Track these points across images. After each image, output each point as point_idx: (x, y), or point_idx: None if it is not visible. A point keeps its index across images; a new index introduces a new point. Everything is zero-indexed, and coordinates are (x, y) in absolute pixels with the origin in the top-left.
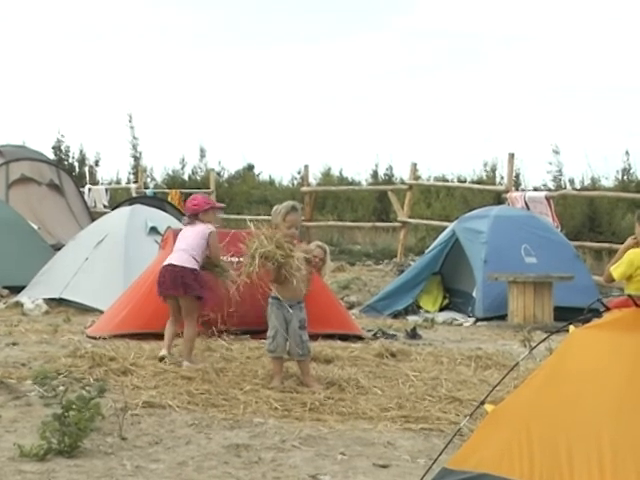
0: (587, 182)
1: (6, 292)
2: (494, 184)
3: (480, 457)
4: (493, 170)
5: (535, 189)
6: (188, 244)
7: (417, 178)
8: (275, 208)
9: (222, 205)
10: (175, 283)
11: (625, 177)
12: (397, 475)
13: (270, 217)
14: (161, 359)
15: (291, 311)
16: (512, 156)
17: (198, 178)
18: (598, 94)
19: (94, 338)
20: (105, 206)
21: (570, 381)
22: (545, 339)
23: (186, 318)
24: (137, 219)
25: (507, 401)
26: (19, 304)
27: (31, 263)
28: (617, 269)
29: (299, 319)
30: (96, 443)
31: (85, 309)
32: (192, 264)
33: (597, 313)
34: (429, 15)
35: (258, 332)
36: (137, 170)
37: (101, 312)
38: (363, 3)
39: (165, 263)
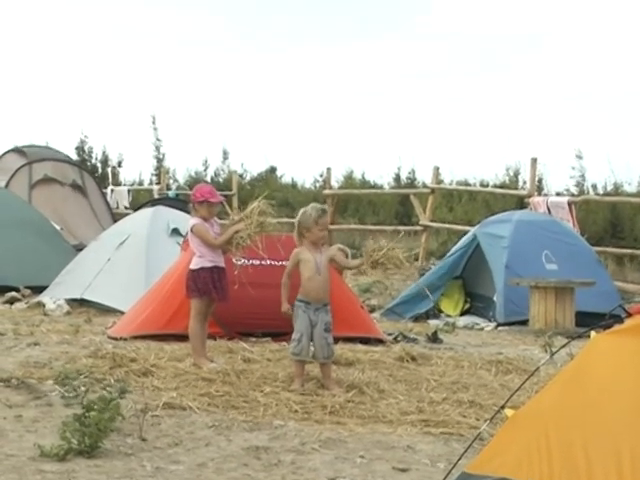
0: (610, 187)
1: (28, 292)
2: (516, 189)
3: (500, 461)
4: (516, 174)
5: (558, 194)
6: (190, 242)
7: (439, 182)
8: (304, 211)
9: (219, 199)
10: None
11: None
12: (417, 479)
13: (294, 220)
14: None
15: (317, 314)
16: (535, 161)
17: (220, 180)
18: (622, 99)
19: (115, 339)
20: (127, 207)
21: (591, 387)
22: (566, 344)
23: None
24: (159, 220)
25: (527, 406)
26: (41, 304)
27: (53, 263)
28: None
29: (325, 322)
30: (116, 444)
31: (106, 310)
32: (194, 264)
33: (618, 319)
34: (451, 17)
35: (279, 334)
36: (160, 171)
37: (122, 313)
38: (385, 5)
39: None
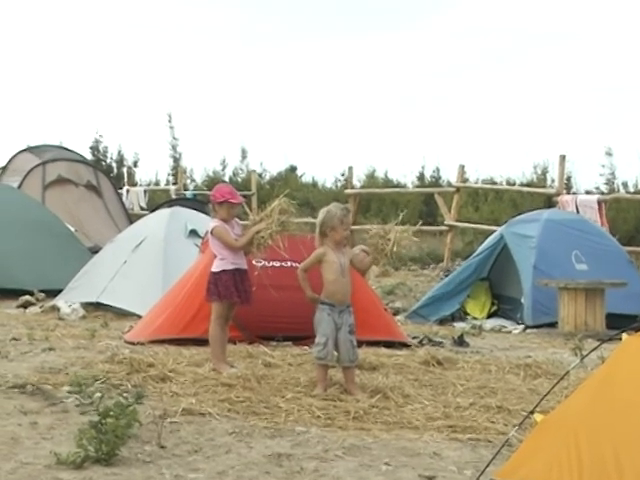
0: None
1: (42, 296)
2: (544, 187)
3: (529, 468)
4: (544, 172)
5: (587, 192)
6: (210, 245)
7: (465, 180)
8: (328, 210)
9: (240, 200)
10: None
11: None
12: None
13: (315, 220)
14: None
15: (341, 316)
16: (563, 158)
17: (239, 180)
18: None
19: (132, 343)
20: (143, 208)
21: (622, 391)
22: (597, 347)
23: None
24: (176, 221)
25: (557, 411)
26: (55, 308)
27: (68, 266)
28: None
29: (349, 324)
30: (134, 451)
31: (123, 314)
32: (216, 266)
33: None
34: (478, 11)
35: (300, 338)
36: (177, 171)
37: (139, 317)
38: (407, 1)
39: None
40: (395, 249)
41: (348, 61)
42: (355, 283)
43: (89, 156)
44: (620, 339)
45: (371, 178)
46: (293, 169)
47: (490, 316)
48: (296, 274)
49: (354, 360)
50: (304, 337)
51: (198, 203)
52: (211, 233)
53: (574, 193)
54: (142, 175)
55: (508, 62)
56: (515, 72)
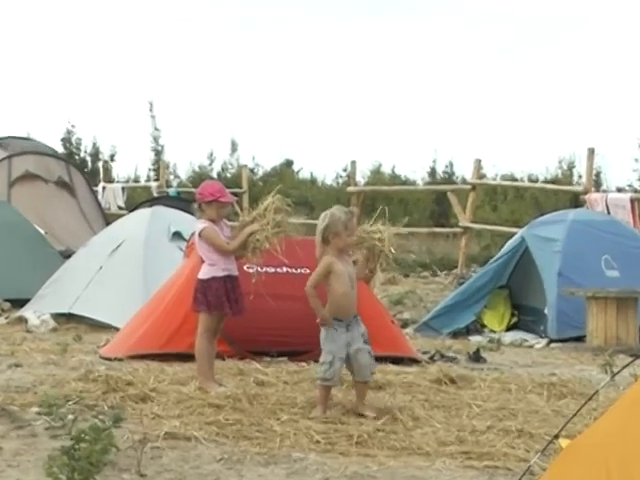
0: None
1: (8, 306)
2: (571, 184)
3: None
4: (570, 168)
5: (618, 190)
6: (198, 249)
7: (481, 177)
8: (331, 213)
9: (230, 199)
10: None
11: None
12: None
13: (313, 221)
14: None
15: (351, 330)
16: (592, 152)
17: (229, 175)
18: None
19: (109, 359)
20: (121, 207)
21: None
22: (629, 364)
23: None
24: (158, 223)
25: (585, 435)
26: (23, 319)
27: (36, 273)
28: None
29: (361, 333)
30: None
31: (98, 326)
32: (205, 273)
33: None
34: None
35: (297, 353)
36: (159, 166)
37: (117, 329)
38: None
39: None
40: (393, 249)
41: (351, 44)
42: (359, 292)
43: (60, 149)
44: None
45: (376, 174)
46: (289, 164)
47: (510, 329)
48: (292, 281)
49: (373, 373)
50: (301, 352)
51: (182, 202)
52: (199, 235)
53: (604, 191)
54: (120, 170)
55: (531, 47)
56: (538, 57)
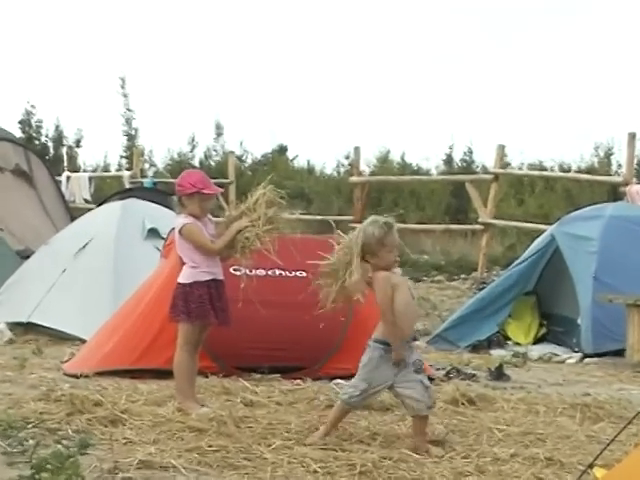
0: None
1: None
2: (609, 174)
3: None
4: (607, 156)
5: None
6: (178, 249)
7: (505, 166)
8: (364, 231)
9: (214, 190)
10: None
11: None
12: None
13: (310, 216)
14: None
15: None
16: (633, 137)
17: (212, 163)
18: None
19: (73, 376)
20: (88, 200)
21: None
22: None
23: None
24: (131, 218)
25: (624, 464)
26: None
27: None
28: None
29: (413, 361)
30: None
31: (61, 337)
32: (186, 277)
33: None
34: None
35: (291, 370)
36: (131, 153)
37: (83, 341)
38: None
39: None
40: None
41: (353, 18)
42: (368, 299)
43: (18, 133)
44: None
45: (384, 162)
46: (283, 150)
47: (537, 341)
48: (286, 286)
49: (431, 405)
50: (296, 368)
51: (159, 194)
52: (179, 233)
53: None
54: (87, 158)
55: (562, 24)
56: (572, 34)
